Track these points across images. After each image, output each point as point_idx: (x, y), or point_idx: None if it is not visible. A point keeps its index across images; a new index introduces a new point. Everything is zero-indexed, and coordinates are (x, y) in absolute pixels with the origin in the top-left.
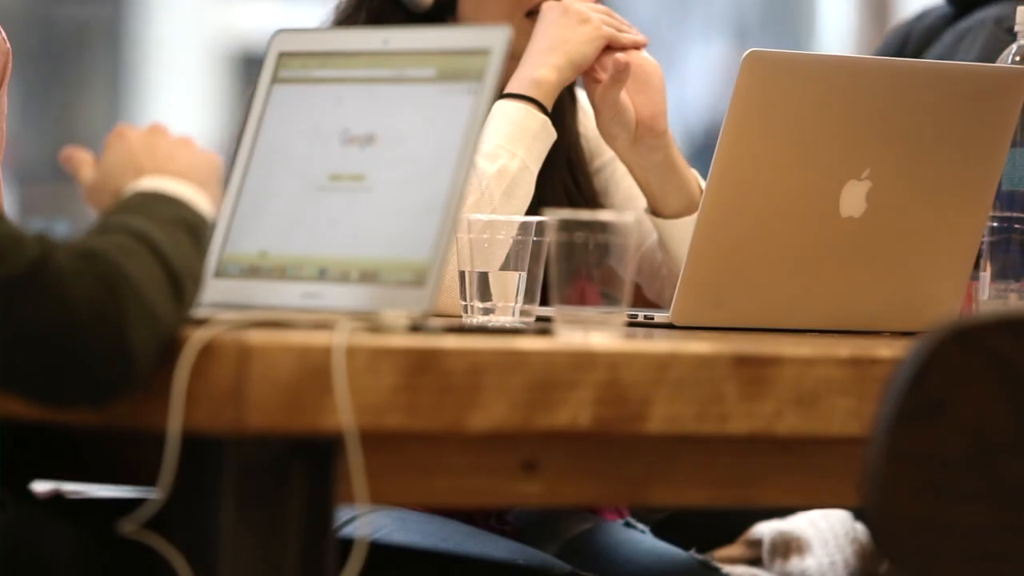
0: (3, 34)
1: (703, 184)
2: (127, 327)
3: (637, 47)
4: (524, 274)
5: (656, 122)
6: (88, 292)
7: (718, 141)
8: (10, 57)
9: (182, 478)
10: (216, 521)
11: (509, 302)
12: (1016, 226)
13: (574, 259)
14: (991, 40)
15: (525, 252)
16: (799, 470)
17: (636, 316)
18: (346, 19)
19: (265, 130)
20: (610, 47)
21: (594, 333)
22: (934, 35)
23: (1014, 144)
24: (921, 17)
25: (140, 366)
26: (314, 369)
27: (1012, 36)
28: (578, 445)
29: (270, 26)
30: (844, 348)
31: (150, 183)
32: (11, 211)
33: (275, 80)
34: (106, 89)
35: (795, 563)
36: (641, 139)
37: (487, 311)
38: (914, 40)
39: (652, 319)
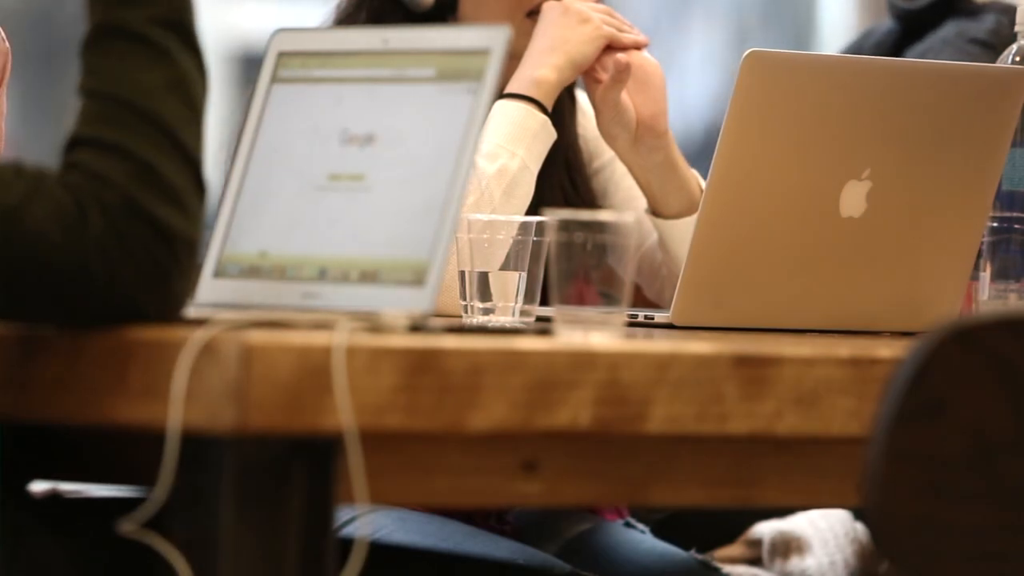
0: (3, 34)
1: (703, 184)
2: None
3: (638, 47)
4: (524, 274)
5: (656, 122)
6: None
7: (718, 141)
8: (10, 57)
9: (182, 478)
10: (216, 521)
11: (509, 302)
12: (1016, 226)
13: (574, 259)
14: (960, 55)
15: (525, 252)
16: (799, 470)
17: (636, 316)
18: (346, 19)
19: (265, 130)
20: (611, 47)
21: (594, 333)
22: (884, 51)
23: (1014, 144)
24: (868, 35)
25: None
26: (314, 369)
27: (979, 46)
28: (578, 445)
29: (270, 26)
30: (844, 348)
31: None
32: None
33: (275, 80)
34: None
35: (795, 563)
36: (641, 139)
37: (487, 311)
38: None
39: (652, 319)
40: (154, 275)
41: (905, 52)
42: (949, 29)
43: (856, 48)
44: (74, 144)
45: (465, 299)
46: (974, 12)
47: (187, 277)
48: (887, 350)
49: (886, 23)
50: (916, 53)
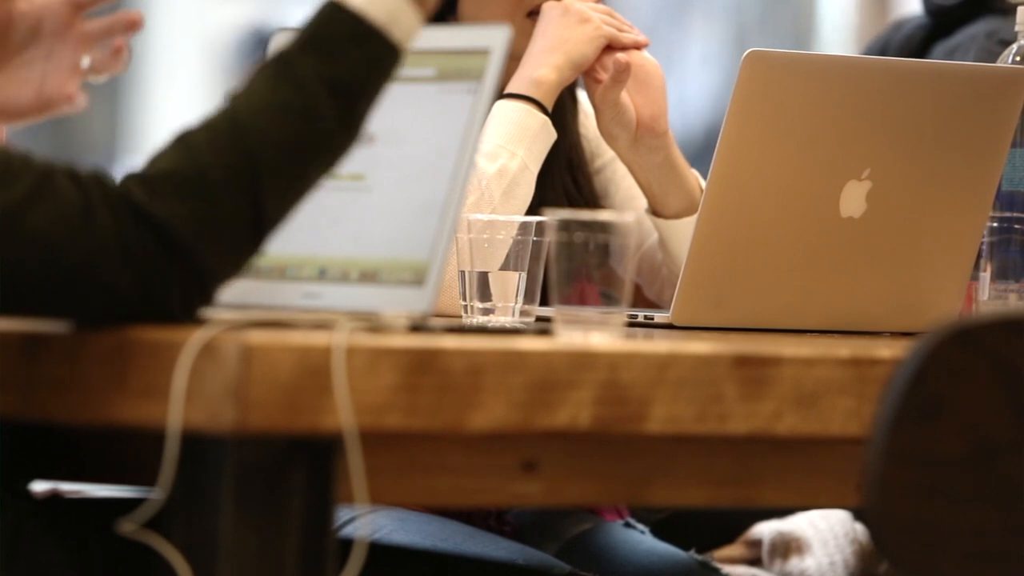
0: None
1: (703, 184)
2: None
3: (638, 47)
4: (524, 274)
5: (656, 122)
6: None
7: (718, 141)
8: None
9: (182, 478)
10: (216, 521)
11: (509, 302)
12: (1016, 226)
13: (574, 259)
14: (984, 54)
15: (525, 252)
16: (799, 470)
17: (636, 316)
18: None
19: None
20: (611, 47)
21: (594, 333)
22: (913, 45)
23: (1014, 144)
24: (898, 27)
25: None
26: (314, 369)
27: (1005, 48)
28: (578, 445)
29: (269, 24)
30: (844, 348)
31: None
32: None
33: None
34: (106, 89)
35: (795, 563)
36: (641, 139)
37: (487, 311)
38: (893, 50)
39: (652, 319)
40: (151, 283)
41: (934, 47)
42: (980, 27)
43: (884, 41)
44: (178, 132)
45: (465, 299)
46: (1008, 12)
47: (188, 298)
48: (887, 350)
49: (917, 17)
50: (944, 49)
